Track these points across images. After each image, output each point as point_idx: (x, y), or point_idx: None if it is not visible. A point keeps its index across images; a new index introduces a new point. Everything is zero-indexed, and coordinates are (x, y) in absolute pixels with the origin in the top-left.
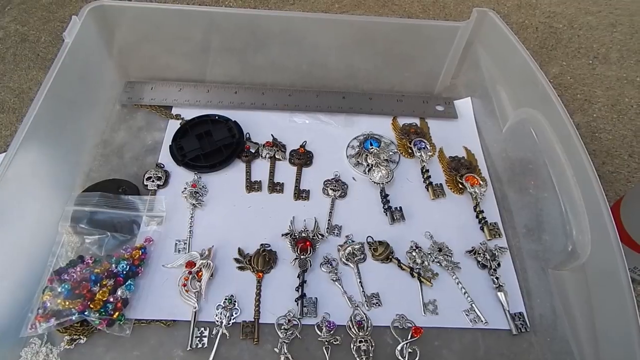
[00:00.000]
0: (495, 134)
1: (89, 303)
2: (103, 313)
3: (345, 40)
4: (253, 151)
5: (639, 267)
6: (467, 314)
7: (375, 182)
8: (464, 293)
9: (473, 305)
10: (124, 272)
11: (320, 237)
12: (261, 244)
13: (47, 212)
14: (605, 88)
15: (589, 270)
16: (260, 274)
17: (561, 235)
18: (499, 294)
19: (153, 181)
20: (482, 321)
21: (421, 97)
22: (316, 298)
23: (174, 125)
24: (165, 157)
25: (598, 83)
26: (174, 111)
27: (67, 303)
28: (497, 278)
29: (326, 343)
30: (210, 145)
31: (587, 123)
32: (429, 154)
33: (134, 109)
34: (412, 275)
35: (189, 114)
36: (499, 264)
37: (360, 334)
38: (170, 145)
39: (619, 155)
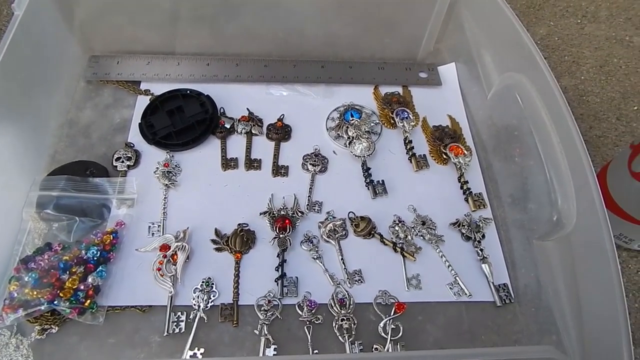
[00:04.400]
0: (480, 100)
1: (58, 292)
2: (74, 302)
3: (323, 5)
4: (228, 127)
5: (624, 233)
6: (450, 288)
7: (356, 155)
8: (448, 266)
9: (457, 278)
10: (95, 259)
11: (300, 214)
12: (239, 224)
13: (9, 198)
14: (594, 48)
15: (574, 238)
16: (239, 255)
17: (546, 203)
18: (483, 265)
19: (123, 162)
20: (466, 294)
21: (404, 64)
22: (297, 277)
23: (143, 102)
24: (135, 136)
25: (586, 43)
26: (143, 86)
27: (35, 293)
28: (481, 250)
29: (308, 323)
30: (182, 122)
31: (574, 86)
32: (412, 123)
33: (100, 85)
34: (395, 250)
35: (159, 89)
36: (483, 236)
37: (343, 312)
38: (139, 123)
39: (607, 118)
